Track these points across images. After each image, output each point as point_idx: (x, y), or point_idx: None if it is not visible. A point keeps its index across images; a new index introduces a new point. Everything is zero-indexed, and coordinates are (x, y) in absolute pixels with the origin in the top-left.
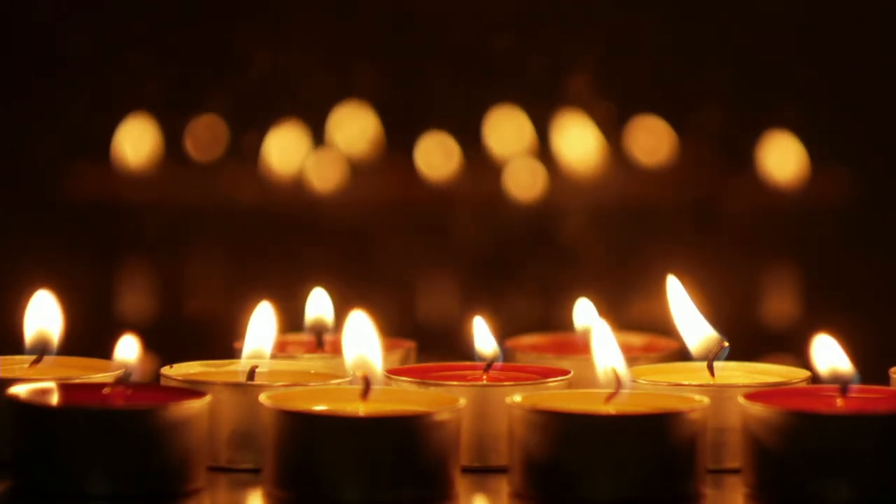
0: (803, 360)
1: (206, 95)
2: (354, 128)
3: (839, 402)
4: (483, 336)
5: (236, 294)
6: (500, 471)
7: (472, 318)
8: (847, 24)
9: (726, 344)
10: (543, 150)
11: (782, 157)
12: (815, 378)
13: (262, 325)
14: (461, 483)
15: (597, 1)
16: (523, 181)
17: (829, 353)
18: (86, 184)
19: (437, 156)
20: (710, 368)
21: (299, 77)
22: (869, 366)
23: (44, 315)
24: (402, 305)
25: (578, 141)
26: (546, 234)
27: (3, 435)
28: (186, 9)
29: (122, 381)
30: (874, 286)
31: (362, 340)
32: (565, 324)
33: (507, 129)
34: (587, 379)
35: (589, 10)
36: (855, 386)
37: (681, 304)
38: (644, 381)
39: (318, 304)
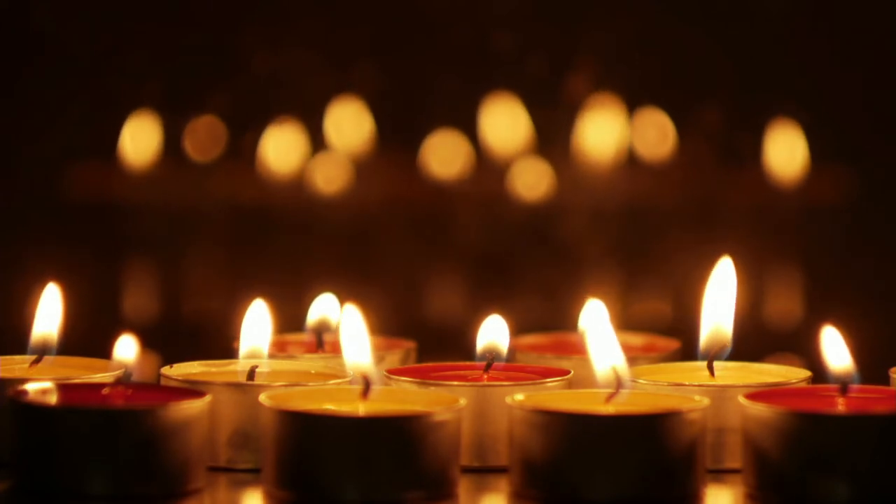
0: (804, 359)
1: (206, 95)
2: (354, 127)
3: (839, 402)
4: (498, 333)
5: (236, 294)
6: (500, 471)
7: (479, 316)
8: (846, 23)
9: (729, 346)
10: (545, 149)
11: (783, 156)
12: (816, 375)
13: (256, 325)
14: (461, 483)
15: (598, 0)
16: (524, 180)
17: (838, 349)
18: (86, 184)
19: (438, 155)
20: (710, 368)
21: (299, 77)
22: (869, 366)
23: (45, 314)
24: (403, 305)
25: (581, 139)
26: (548, 234)
27: (3, 435)
28: (186, 9)
29: (122, 381)
30: (875, 285)
31: (355, 343)
32: (567, 323)
33: (508, 128)
34: (587, 379)
35: (590, 10)
36: (855, 386)
37: (722, 290)
38: (644, 381)
39: (323, 305)
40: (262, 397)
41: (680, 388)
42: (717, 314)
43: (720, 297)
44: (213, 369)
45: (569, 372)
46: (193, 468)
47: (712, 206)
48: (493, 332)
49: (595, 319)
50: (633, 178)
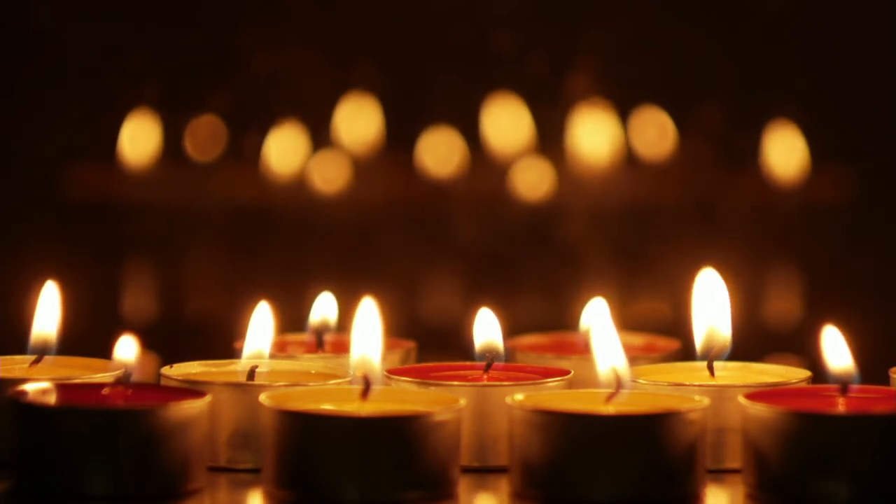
0: (804, 359)
1: (206, 95)
2: (355, 127)
3: (839, 402)
4: (491, 331)
5: (236, 294)
6: (500, 471)
7: (477, 313)
8: (846, 23)
9: (729, 346)
10: (545, 149)
11: (783, 156)
12: (816, 375)
13: (261, 326)
14: (461, 483)
15: (598, 0)
16: (525, 180)
17: (838, 349)
18: (86, 184)
19: (438, 155)
20: (710, 368)
21: (299, 76)
22: (869, 366)
23: (45, 313)
24: (404, 305)
25: (581, 139)
26: (548, 233)
27: (3, 435)
28: (186, 9)
29: (122, 381)
30: (874, 285)
31: (367, 337)
32: (567, 323)
33: (508, 128)
34: (587, 379)
35: (590, 10)
36: (855, 386)
37: (710, 297)
38: (644, 381)
39: (324, 306)
40: (262, 397)
41: (680, 388)
42: (709, 320)
43: (710, 305)
44: (213, 369)
45: (569, 372)
46: (193, 468)
47: (712, 206)
48: (487, 327)
49: (599, 318)
50: (632, 178)
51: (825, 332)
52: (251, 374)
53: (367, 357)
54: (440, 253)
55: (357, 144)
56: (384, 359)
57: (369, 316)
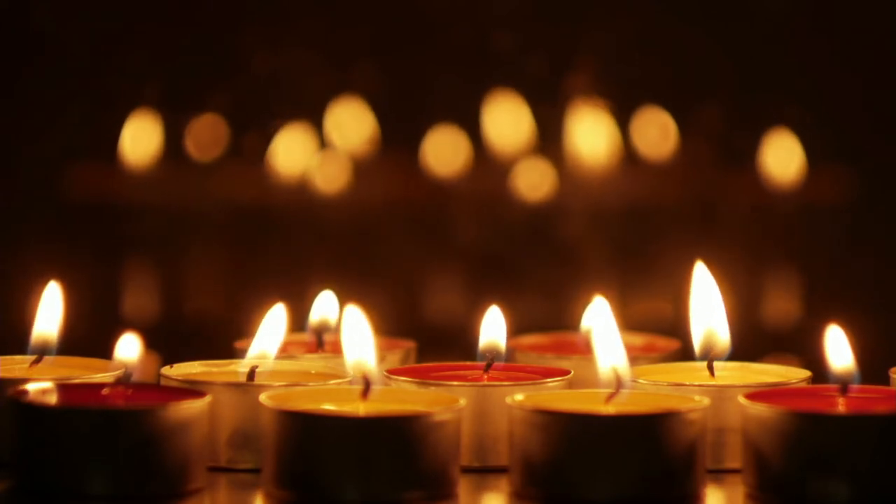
0: (803, 359)
1: (207, 95)
2: (355, 127)
3: (839, 402)
4: (496, 330)
5: (236, 294)
6: (501, 471)
7: (479, 316)
8: (846, 23)
9: (729, 346)
10: (546, 149)
11: (782, 156)
12: (816, 375)
13: (273, 328)
14: (461, 483)
15: (598, 0)
16: (526, 180)
17: (841, 349)
18: (86, 184)
19: (438, 155)
20: (710, 368)
21: (300, 76)
22: (869, 366)
23: (46, 313)
24: (404, 305)
25: (581, 139)
26: (548, 233)
27: (3, 435)
28: (186, 9)
29: (122, 381)
30: (874, 286)
31: (359, 341)
32: (567, 323)
33: (508, 128)
34: (587, 379)
35: (590, 10)
36: (855, 386)
37: (704, 293)
38: (644, 381)
39: (324, 306)
40: (263, 397)
41: (680, 388)
42: (707, 319)
43: (706, 302)
44: (214, 369)
45: (569, 372)
46: (193, 468)
47: (712, 206)
48: (493, 327)
49: (600, 318)
50: (632, 178)
51: (828, 331)
52: (251, 374)
53: (361, 362)
54: (440, 253)
55: (357, 144)
56: (383, 359)
57: (357, 323)
